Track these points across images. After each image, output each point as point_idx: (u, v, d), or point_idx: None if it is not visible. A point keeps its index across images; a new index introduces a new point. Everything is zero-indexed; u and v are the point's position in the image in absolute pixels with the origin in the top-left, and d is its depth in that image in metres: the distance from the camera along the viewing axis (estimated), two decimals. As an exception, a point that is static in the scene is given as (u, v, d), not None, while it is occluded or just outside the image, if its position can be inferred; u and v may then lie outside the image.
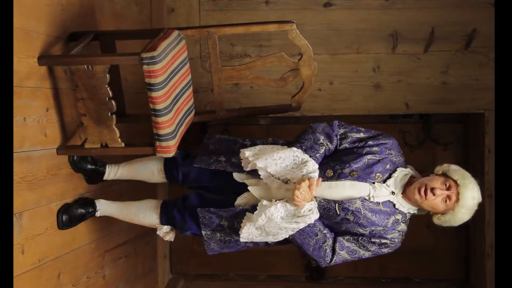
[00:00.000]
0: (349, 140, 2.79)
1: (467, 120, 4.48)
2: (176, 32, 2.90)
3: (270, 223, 2.62)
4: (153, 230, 3.07)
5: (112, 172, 3.09)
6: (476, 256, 4.34)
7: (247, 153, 2.75)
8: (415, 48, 4.08)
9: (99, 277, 3.33)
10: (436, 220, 2.72)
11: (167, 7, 4.18)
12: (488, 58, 4.03)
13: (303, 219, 2.61)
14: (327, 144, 2.77)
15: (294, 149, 2.72)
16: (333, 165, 2.72)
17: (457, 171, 2.69)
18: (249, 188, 2.79)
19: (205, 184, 2.95)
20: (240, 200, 2.81)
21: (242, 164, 2.78)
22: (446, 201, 2.64)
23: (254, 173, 2.76)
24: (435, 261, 4.58)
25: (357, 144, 2.78)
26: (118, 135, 2.80)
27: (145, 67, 2.60)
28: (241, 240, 2.73)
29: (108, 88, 2.70)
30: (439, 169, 2.75)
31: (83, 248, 3.12)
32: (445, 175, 2.70)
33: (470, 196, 2.62)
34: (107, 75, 2.68)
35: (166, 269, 4.64)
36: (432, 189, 2.63)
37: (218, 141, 3.01)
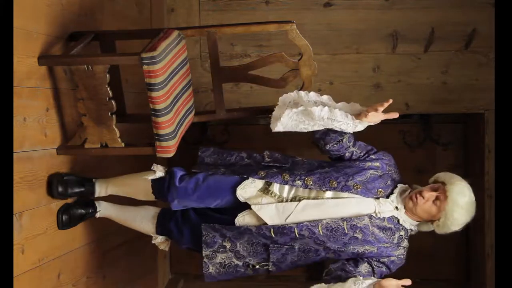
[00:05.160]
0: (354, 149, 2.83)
1: (467, 120, 4.48)
2: (176, 32, 2.90)
3: None
4: (153, 230, 3.07)
5: (102, 191, 2.99)
6: (476, 256, 4.34)
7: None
8: (415, 48, 4.08)
9: (99, 277, 3.33)
10: (436, 228, 2.70)
11: (167, 7, 4.18)
12: (488, 58, 4.03)
13: None
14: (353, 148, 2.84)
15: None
16: (337, 176, 2.72)
17: (445, 174, 2.73)
18: (252, 207, 2.72)
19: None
20: (241, 217, 2.76)
21: (271, 126, 2.84)
22: (437, 203, 2.64)
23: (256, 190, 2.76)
24: (435, 262, 4.58)
25: (359, 156, 2.81)
26: (118, 135, 2.80)
27: (145, 67, 2.60)
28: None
29: (108, 88, 2.70)
30: (431, 179, 2.78)
31: (83, 248, 3.12)
32: (435, 181, 2.74)
33: (457, 191, 2.61)
34: (107, 75, 2.68)
35: (166, 269, 4.64)
36: (421, 193, 2.65)
37: (213, 153, 2.97)
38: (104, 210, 3.06)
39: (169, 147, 2.80)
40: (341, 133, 2.76)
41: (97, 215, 3.05)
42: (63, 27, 2.90)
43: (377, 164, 2.77)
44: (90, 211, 3.01)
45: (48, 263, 2.77)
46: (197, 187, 2.79)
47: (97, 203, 3.04)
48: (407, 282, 2.57)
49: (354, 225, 2.67)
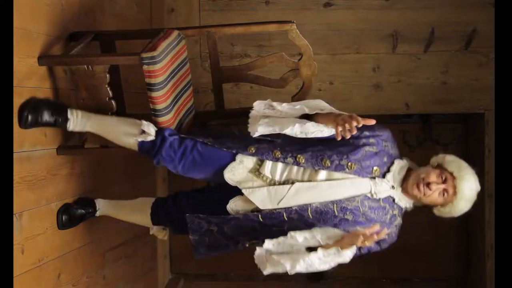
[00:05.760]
0: None
1: (467, 120, 4.48)
2: (176, 32, 2.90)
3: (309, 267, 2.60)
4: (153, 229, 3.07)
5: (78, 126, 2.74)
6: (476, 256, 4.34)
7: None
8: (415, 48, 4.08)
9: (99, 277, 3.33)
10: (437, 211, 2.67)
11: (167, 7, 4.18)
12: (488, 58, 4.04)
13: (340, 259, 2.57)
14: None
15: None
16: (330, 155, 2.63)
17: (452, 163, 2.63)
18: (243, 191, 2.66)
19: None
20: (232, 203, 2.71)
21: (249, 129, 2.70)
22: (444, 195, 2.59)
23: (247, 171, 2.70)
24: (435, 261, 4.58)
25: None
26: (118, 135, 2.80)
27: (145, 67, 2.60)
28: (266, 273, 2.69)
29: (108, 88, 2.70)
30: (434, 160, 2.69)
31: (83, 248, 3.12)
32: (441, 166, 2.64)
33: (468, 187, 2.57)
34: (107, 75, 2.68)
35: (166, 269, 4.64)
36: (428, 184, 2.58)
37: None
38: (103, 208, 3.06)
39: (169, 147, 2.79)
40: None
41: (97, 214, 3.05)
42: (63, 27, 2.90)
43: (372, 140, 2.65)
44: (90, 211, 3.01)
45: (48, 263, 2.77)
46: (184, 157, 2.69)
47: (96, 202, 3.05)
48: (376, 227, 2.52)
49: (344, 207, 2.60)
